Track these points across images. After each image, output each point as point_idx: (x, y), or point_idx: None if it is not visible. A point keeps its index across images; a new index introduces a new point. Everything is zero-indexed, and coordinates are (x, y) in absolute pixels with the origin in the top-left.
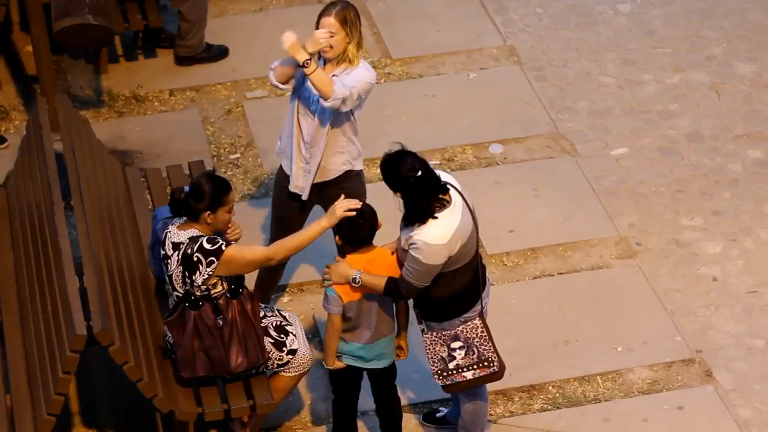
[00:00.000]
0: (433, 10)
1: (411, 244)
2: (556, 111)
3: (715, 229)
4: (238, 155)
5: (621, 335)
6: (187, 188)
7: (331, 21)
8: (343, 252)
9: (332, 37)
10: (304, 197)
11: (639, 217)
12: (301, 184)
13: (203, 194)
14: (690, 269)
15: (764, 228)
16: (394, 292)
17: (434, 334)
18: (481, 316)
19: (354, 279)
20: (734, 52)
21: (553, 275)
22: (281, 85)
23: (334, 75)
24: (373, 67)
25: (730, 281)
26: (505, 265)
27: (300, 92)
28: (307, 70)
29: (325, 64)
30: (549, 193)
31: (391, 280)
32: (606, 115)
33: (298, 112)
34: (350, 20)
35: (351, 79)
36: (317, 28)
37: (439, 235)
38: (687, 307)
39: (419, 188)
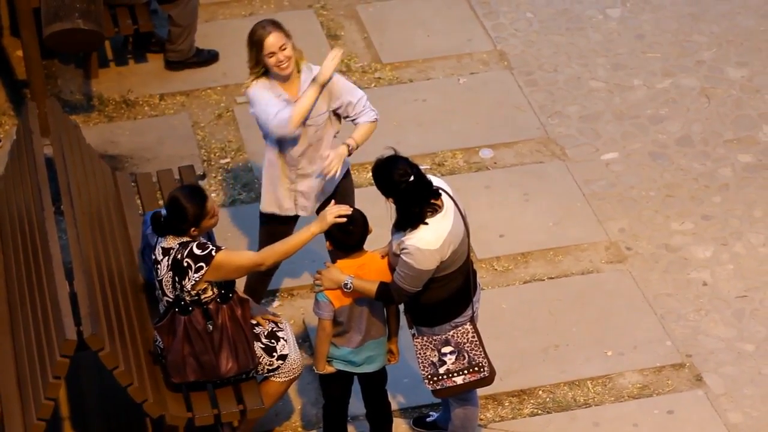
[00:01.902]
0: (423, 14)
1: (403, 249)
2: (546, 115)
3: (705, 233)
4: (228, 160)
5: (611, 340)
6: (164, 211)
7: (278, 36)
8: (334, 257)
9: (285, 50)
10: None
11: (629, 222)
12: (311, 204)
13: (185, 215)
14: (680, 274)
15: (754, 232)
16: (386, 297)
17: (425, 338)
18: (472, 321)
19: (346, 285)
20: (724, 57)
21: (544, 280)
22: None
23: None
24: (363, 71)
25: (720, 286)
26: (496, 269)
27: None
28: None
29: (286, 80)
30: (539, 197)
31: (382, 285)
32: (596, 119)
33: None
34: (287, 30)
35: (349, 87)
36: (261, 51)
37: (431, 241)
38: (677, 311)
39: (411, 193)
